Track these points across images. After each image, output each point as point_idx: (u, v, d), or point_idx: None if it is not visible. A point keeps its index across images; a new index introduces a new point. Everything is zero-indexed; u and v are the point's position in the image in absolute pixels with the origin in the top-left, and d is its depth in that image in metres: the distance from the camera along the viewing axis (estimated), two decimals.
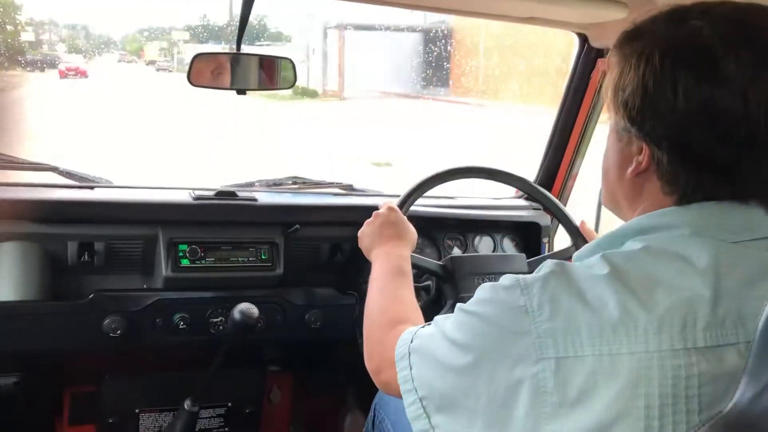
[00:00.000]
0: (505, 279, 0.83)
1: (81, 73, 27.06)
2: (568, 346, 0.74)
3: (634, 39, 0.84)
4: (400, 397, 0.93)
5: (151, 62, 33.60)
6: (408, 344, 0.94)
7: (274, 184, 1.96)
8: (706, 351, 0.72)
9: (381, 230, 1.42)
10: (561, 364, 0.74)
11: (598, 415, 0.72)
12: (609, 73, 0.87)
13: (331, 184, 2.01)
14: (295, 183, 1.98)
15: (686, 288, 0.74)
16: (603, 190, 0.96)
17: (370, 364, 1.09)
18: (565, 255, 1.67)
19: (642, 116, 0.81)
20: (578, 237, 1.68)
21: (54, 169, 1.76)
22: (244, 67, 1.52)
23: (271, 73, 1.54)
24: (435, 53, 16.29)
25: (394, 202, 1.56)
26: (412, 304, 1.19)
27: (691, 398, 0.71)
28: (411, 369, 0.91)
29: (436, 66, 16.69)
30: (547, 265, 0.81)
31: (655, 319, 0.73)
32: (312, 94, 19.27)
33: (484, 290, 0.86)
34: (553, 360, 0.75)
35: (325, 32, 18.69)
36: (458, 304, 0.89)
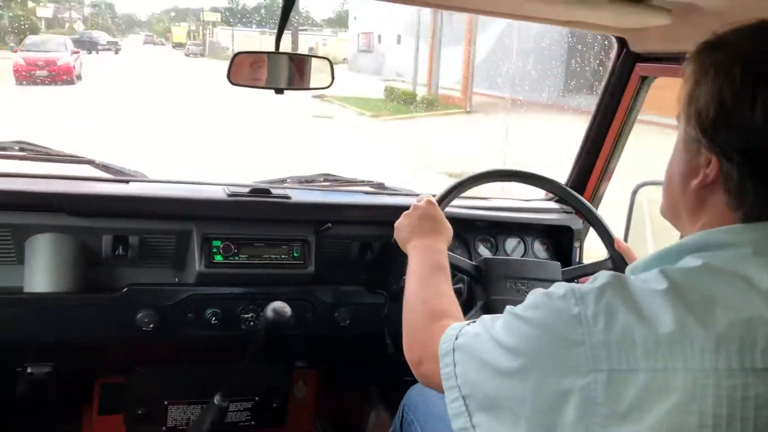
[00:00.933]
0: (559, 287, 0.83)
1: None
2: (621, 358, 0.74)
3: (713, 49, 0.83)
4: (440, 391, 0.93)
5: (179, 45, 32.60)
6: (453, 341, 0.93)
7: (306, 182, 1.96)
8: (764, 373, 0.72)
9: (420, 223, 1.42)
10: (613, 377, 0.74)
11: (648, 429, 0.72)
12: (684, 81, 0.86)
13: (362, 182, 2.01)
14: (326, 180, 1.98)
15: (746, 309, 0.74)
16: (664, 200, 0.95)
17: (410, 354, 1.09)
18: (601, 267, 1.65)
19: (715, 128, 0.80)
20: (614, 249, 1.67)
21: (90, 162, 1.78)
22: (283, 67, 1.52)
23: (309, 73, 1.54)
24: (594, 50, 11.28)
25: (435, 197, 1.55)
26: (452, 299, 1.19)
27: (746, 420, 0.71)
28: (455, 366, 0.91)
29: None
30: (603, 276, 0.81)
31: (713, 338, 0.72)
32: (430, 103, 15.96)
33: (536, 296, 0.85)
34: (605, 372, 0.74)
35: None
36: (508, 307, 0.89)
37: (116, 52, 24.33)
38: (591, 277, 0.83)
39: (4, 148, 1.70)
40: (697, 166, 0.84)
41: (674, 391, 0.72)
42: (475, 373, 0.88)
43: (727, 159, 0.80)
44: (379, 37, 23.99)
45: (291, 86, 1.59)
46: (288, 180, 1.94)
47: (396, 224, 1.48)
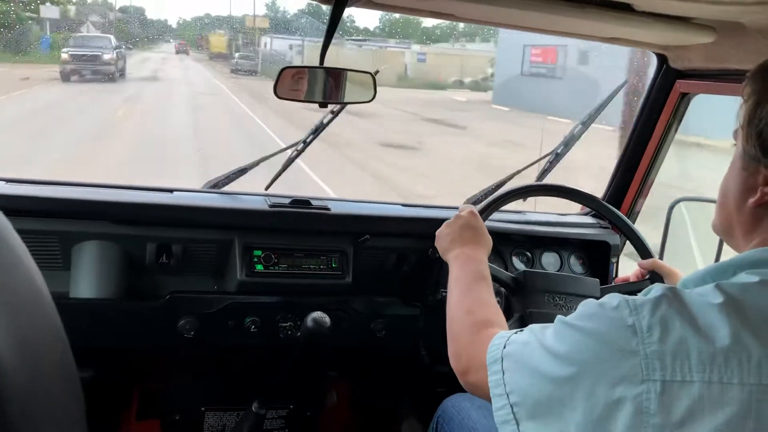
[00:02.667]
0: (612, 297, 0.83)
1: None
2: (676, 369, 0.74)
3: None
4: (488, 400, 0.94)
5: (217, 56, 28.71)
6: (501, 349, 0.94)
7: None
8: None
9: (461, 232, 1.44)
10: (667, 387, 0.74)
11: None
12: (744, 100, 0.86)
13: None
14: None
15: None
16: (717, 217, 0.96)
17: (457, 364, 1.09)
18: (640, 286, 1.65)
19: None
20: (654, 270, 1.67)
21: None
22: (328, 81, 1.55)
23: (352, 87, 1.57)
24: None
25: (476, 208, 1.57)
26: (496, 308, 1.20)
27: None
28: (504, 374, 0.91)
29: None
30: (658, 288, 0.81)
31: None
32: None
33: (589, 306, 0.85)
34: (659, 382, 0.75)
35: None
36: (559, 317, 0.89)
37: (119, 74, 16.47)
38: (644, 290, 0.84)
39: None
40: (755, 184, 0.85)
41: (729, 404, 0.72)
42: (525, 381, 0.88)
43: None
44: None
45: (333, 100, 1.61)
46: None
47: (437, 233, 1.50)
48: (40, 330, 0.54)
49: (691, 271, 0.92)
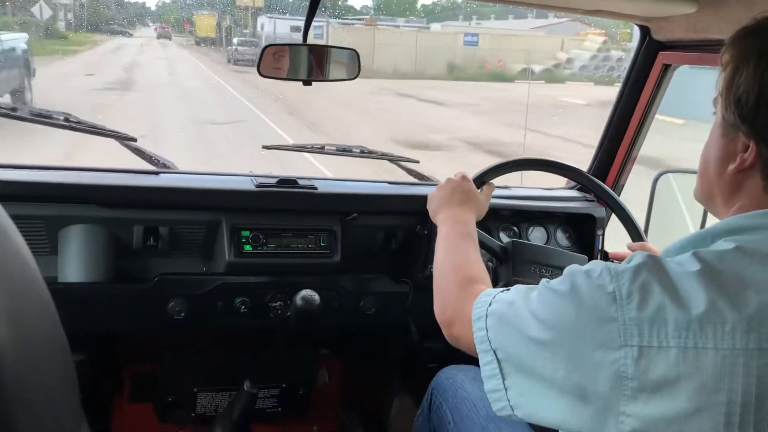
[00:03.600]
0: (595, 265, 0.85)
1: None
2: (653, 335, 0.77)
3: (755, 36, 0.84)
4: (469, 353, 0.98)
5: (204, 40, 25.95)
6: (486, 306, 0.97)
7: (344, 150, 1.99)
8: None
9: (451, 195, 1.47)
10: (644, 352, 0.77)
11: (677, 404, 0.75)
12: (722, 68, 0.87)
13: (399, 158, 2.04)
14: (362, 152, 2.00)
15: None
16: (698, 184, 0.97)
17: (442, 316, 1.14)
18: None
19: (755, 114, 0.82)
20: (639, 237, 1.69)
21: (131, 139, 1.79)
22: (312, 58, 1.55)
23: (338, 65, 1.57)
24: None
25: (467, 173, 1.59)
26: (481, 265, 1.24)
27: None
28: (487, 331, 0.95)
29: None
30: (639, 256, 0.83)
31: (744, 319, 0.75)
32: None
33: (573, 273, 0.87)
34: (636, 348, 0.77)
35: None
36: (543, 280, 0.92)
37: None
38: (627, 257, 0.85)
39: (50, 117, 1.72)
40: (734, 150, 0.86)
41: (704, 369, 0.74)
42: (509, 340, 0.91)
43: (766, 145, 0.82)
44: None
45: (316, 78, 1.61)
46: (326, 146, 1.97)
47: (429, 195, 1.54)
48: (35, 313, 0.55)
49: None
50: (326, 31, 21.24)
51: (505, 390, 0.91)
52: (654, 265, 0.81)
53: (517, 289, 0.96)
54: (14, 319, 0.48)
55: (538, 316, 0.87)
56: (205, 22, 28.06)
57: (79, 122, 1.75)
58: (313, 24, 1.50)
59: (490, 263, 1.68)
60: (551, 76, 20.62)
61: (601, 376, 0.79)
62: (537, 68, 21.67)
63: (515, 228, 1.98)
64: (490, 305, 0.96)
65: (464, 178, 1.53)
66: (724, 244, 0.83)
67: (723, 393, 0.74)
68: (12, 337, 0.47)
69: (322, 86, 1.56)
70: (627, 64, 2.00)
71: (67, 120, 1.73)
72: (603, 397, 0.79)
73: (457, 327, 1.07)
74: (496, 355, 0.92)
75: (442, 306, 1.16)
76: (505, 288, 0.99)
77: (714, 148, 0.91)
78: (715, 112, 0.91)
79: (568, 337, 0.83)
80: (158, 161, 1.83)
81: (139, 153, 1.81)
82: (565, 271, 0.89)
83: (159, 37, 32.40)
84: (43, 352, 0.55)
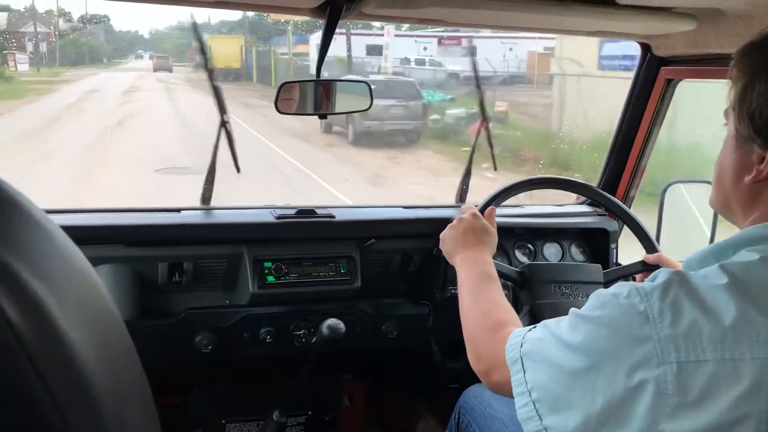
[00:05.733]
0: (622, 286, 0.86)
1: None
2: (689, 351, 0.78)
3: (763, 50, 0.86)
4: (511, 397, 0.96)
5: (227, 73, 18.83)
6: (518, 348, 0.97)
7: None
8: None
9: (465, 236, 1.47)
10: (682, 368, 0.78)
11: (718, 416, 0.76)
12: (734, 81, 0.89)
13: None
14: None
15: None
16: (714, 195, 0.99)
17: (479, 366, 1.13)
18: (638, 267, 1.71)
19: None
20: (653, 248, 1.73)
21: None
22: (328, 93, 1.60)
23: (352, 97, 1.62)
24: None
25: (477, 209, 1.61)
26: (508, 307, 1.24)
27: None
28: (524, 372, 0.94)
29: None
30: (664, 273, 0.84)
31: None
32: None
33: (601, 296, 0.88)
34: (674, 364, 0.78)
35: None
36: (572, 309, 0.92)
37: None
38: (651, 275, 0.87)
39: None
40: (750, 162, 0.88)
41: (743, 379, 0.76)
42: (545, 377, 0.91)
43: None
44: None
45: (331, 111, 1.66)
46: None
47: (441, 236, 1.54)
48: (122, 355, 0.58)
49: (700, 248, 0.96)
50: None
51: (546, 430, 0.91)
52: (681, 280, 0.83)
53: (545, 324, 0.97)
54: (105, 358, 0.52)
55: (572, 345, 0.87)
56: (227, 48, 20.51)
57: None
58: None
59: (506, 290, 1.71)
60: None
61: (640, 397, 0.79)
62: None
63: (530, 246, 2.02)
64: (522, 346, 0.97)
65: (475, 215, 1.53)
66: (747, 255, 0.85)
67: (763, 401, 0.75)
68: (101, 364, 0.50)
69: None
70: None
71: None
72: (642, 417, 0.79)
73: (496, 374, 1.06)
74: (531, 396, 0.92)
75: (476, 355, 1.16)
76: (532, 327, 1.00)
77: (729, 159, 0.93)
78: (726, 124, 0.93)
79: (605, 362, 0.83)
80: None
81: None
82: (592, 296, 0.90)
83: (156, 69, 26.44)
84: (131, 391, 0.58)
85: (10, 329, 0.43)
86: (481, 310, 1.23)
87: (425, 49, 22.55)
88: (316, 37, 20.80)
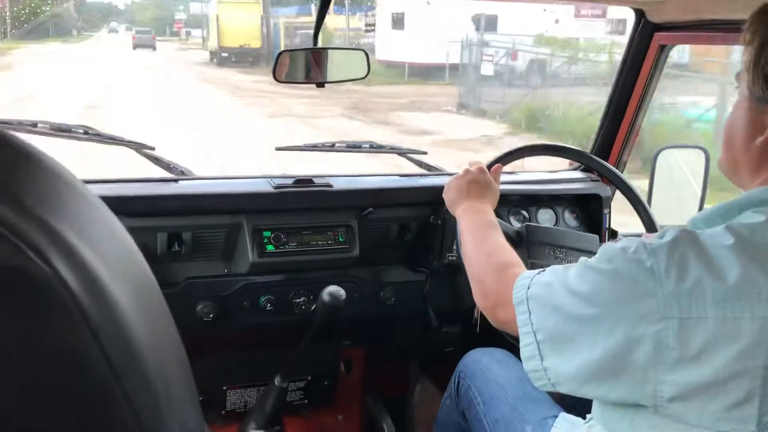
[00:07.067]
0: (631, 242, 0.89)
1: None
2: (692, 308, 0.81)
3: None
4: (515, 334, 1.01)
5: (240, 54, 14.34)
6: (525, 290, 1.00)
7: (354, 146, 2.06)
8: None
9: (469, 187, 1.52)
10: (684, 324, 0.81)
11: (715, 371, 0.80)
12: (747, 44, 0.89)
13: (407, 150, 2.12)
14: (372, 147, 2.07)
15: None
16: (724, 158, 1.00)
17: (484, 302, 1.18)
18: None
19: None
20: (652, 226, 1.76)
21: (149, 148, 1.84)
22: (321, 61, 1.60)
23: (349, 65, 1.62)
24: None
25: (483, 163, 1.65)
26: (510, 249, 1.28)
27: None
28: (530, 314, 0.98)
29: None
30: (672, 231, 0.87)
31: None
32: None
33: (609, 250, 0.91)
34: (676, 319, 0.81)
35: None
36: (582, 258, 0.95)
37: None
38: (659, 232, 0.90)
39: (69, 130, 1.76)
40: (762, 124, 0.90)
41: (742, 337, 0.79)
42: (550, 320, 0.95)
43: None
44: None
45: (328, 79, 1.66)
46: (336, 143, 2.04)
47: (446, 185, 1.59)
48: (156, 310, 0.60)
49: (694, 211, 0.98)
50: None
51: (545, 370, 0.95)
52: (689, 239, 0.85)
53: (554, 269, 1.00)
54: (148, 322, 0.54)
55: (578, 294, 0.90)
56: (241, 19, 14.95)
57: (98, 134, 1.80)
58: None
59: None
60: None
61: (641, 348, 0.83)
62: None
63: (524, 212, 2.05)
64: (528, 288, 1.00)
65: (481, 169, 1.58)
66: (754, 216, 0.87)
67: (761, 357, 0.78)
68: (150, 337, 0.53)
69: None
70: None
71: (86, 132, 1.78)
72: (642, 367, 0.83)
73: (501, 311, 1.10)
74: (535, 337, 0.96)
75: (482, 293, 1.19)
76: (541, 270, 1.03)
77: (740, 120, 0.94)
78: (737, 87, 0.94)
79: (609, 312, 0.86)
80: (176, 168, 1.88)
81: (157, 161, 1.86)
82: (601, 248, 0.93)
83: (137, 46, 21.38)
84: (171, 355, 0.60)
85: (70, 296, 0.44)
86: (486, 251, 1.27)
87: (557, 22, 17.38)
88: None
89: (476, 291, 1.22)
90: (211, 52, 16.55)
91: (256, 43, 15.49)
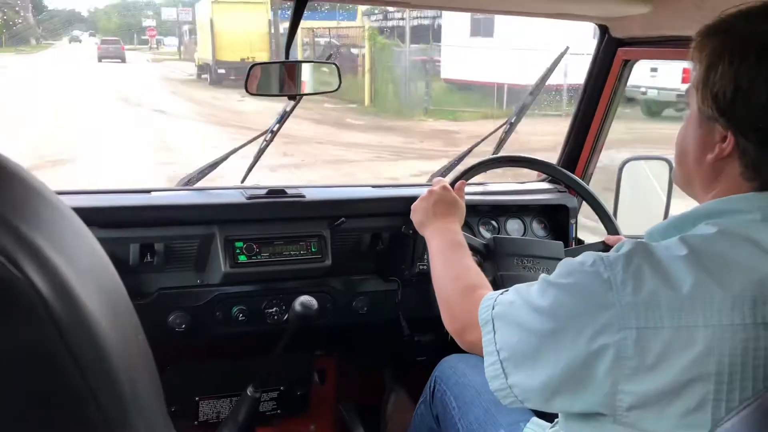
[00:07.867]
0: (588, 256, 0.92)
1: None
2: (648, 318, 0.84)
3: (723, 34, 0.90)
4: (483, 356, 1.02)
5: (230, 68, 11.66)
6: (490, 310, 1.02)
7: None
8: None
9: (434, 208, 1.54)
10: (641, 334, 0.84)
11: (673, 378, 0.83)
12: (696, 64, 0.92)
13: None
14: None
15: (757, 270, 0.84)
16: (678, 172, 1.03)
17: (453, 326, 1.19)
18: (597, 246, 1.79)
19: (732, 109, 0.87)
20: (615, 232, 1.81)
21: None
22: (294, 74, 1.62)
23: (320, 78, 1.65)
24: None
25: (447, 181, 1.68)
26: (479, 272, 1.31)
27: (757, 368, 0.82)
28: (495, 333, 1.00)
29: None
30: (628, 244, 0.90)
31: (729, 297, 0.83)
32: None
33: (569, 265, 0.93)
34: (634, 330, 0.84)
35: None
36: (542, 275, 0.98)
37: None
38: (615, 246, 0.92)
39: None
40: (712, 141, 0.92)
41: (696, 345, 0.82)
42: (513, 338, 0.97)
43: (743, 136, 0.88)
44: None
45: (299, 91, 1.69)
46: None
47: (413, 207, 1.61)
48: (129, 326, 0.61)
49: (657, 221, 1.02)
50: None
51: (510, 388, 0.97)
52: (644, 251, 0.88)
53: (517, 288, 1.02)
54: (116, 327, 0.56)
55: (539, 309, 0.93)
56: (243, 25, 12.30)
57: None
58: None
59: (474, 259, 1.78)
60: None
61: (602, 360, 0.85)
62: None
63: (494, 222, 2.08)
64: (493, 308, 1.02)
65: (445, 188, 1.59)
66: (706, 228, 0.90)
67: (713, 364, 0.81)
68: (118, 341, 0.55)
69: None
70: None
71: None
72: (602, 379, 0.86)
73: (469, 333, 1.12)
74: (499, 356, 0.98)
75: (450, 316, 1.22)
76: (504, 290, 1.05)
77: (691, 138, 0.97)
78: (687, 103, 0.97)
79: (570, 326, 0.89)
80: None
81: None
82: (560, 263, 0.96)
83: (102, 58, 19.90)
84: (139, 359, 0.62)
85: (40, 301, 0.47)
86: (454, 274, 1.29)
87: None
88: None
89: (444, 315, 1.24)
90: (200, 66, 13.83)
91: (262, 56, 12.63)
